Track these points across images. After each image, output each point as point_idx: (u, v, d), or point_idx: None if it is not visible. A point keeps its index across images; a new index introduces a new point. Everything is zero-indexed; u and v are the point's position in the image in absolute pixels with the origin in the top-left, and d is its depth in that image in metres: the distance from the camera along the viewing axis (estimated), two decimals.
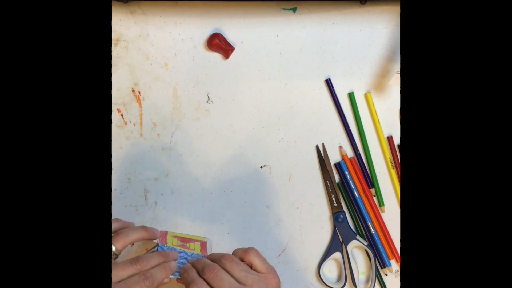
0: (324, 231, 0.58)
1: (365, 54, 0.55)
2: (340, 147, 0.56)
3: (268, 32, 0.54)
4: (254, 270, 0.44)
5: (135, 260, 0.43)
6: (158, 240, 0.48)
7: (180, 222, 0.57)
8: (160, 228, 0.53)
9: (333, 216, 0.57)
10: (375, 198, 0.57)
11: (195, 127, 0.56)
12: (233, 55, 0.54)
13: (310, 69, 0.55)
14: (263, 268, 0.45)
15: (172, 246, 0.48)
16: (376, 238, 0.57)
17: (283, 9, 0.53)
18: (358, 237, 0.57)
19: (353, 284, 0.57)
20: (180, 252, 0.47)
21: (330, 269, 0.59)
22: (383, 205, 0.57)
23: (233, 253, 0.46)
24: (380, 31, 0.54)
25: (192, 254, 0.48)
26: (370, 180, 0.57)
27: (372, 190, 0.57)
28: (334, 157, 0.57)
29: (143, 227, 0.47)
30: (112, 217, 0.48)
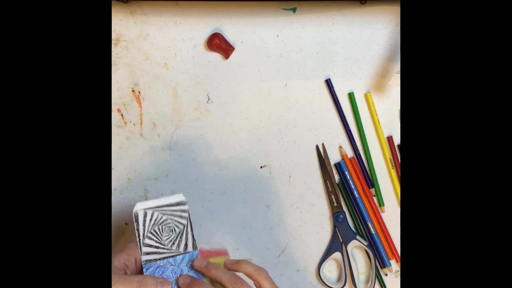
0: (324, 231, 0.58)
1: (365, 54, 0.55)
2: (340, 147, 0.56)
3: (268, 32, 0.54)
4: None
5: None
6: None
7: None
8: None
9: (333, 216, 0.57)
10: (375, 198, 0.57)
11: (195, 127, 0.56)
12: (233, 55, 0.54)
13: (310, 69, 0.55)
14: None
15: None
16: (376, 238, 0.57)
17: (283, 9, 0.53)
18: (358, 237, 0.57)
19: (353, 284, 0.57)
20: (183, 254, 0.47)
21: (330, 269, 0.59)
22: (383, 205, 0.57)
23: (243, 265, 0.45)
24: (380, 31, 0.54)
25: (184, 257, 0.47)
26: (370, 180, 0.57)
27: (372, 190, 0.57)
28: (334, 157, 0.57)
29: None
30: (112, 216, 0.47)
